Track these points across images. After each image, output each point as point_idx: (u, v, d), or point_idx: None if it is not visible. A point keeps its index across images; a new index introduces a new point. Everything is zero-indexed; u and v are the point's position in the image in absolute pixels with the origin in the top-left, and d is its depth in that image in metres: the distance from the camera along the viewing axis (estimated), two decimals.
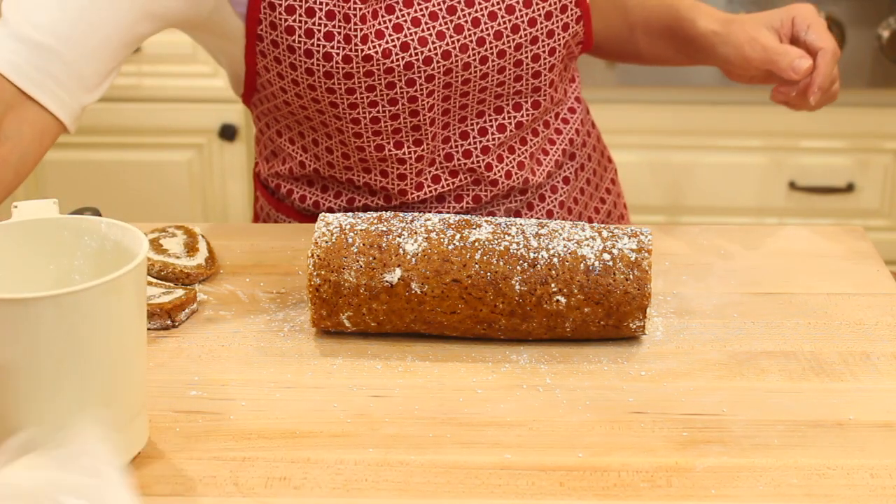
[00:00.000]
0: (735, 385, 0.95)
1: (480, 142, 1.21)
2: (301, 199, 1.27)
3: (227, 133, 2.43)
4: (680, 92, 2.36)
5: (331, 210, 1.26)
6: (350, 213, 1.03)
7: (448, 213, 1.23)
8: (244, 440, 0.88)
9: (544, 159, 1.26)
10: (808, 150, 2.40)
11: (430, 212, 1.23)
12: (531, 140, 1.24)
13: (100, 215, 1.06)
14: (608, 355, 0.99)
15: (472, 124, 1.20)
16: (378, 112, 1.15)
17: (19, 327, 0.75)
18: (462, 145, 1.21)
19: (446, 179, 1.22)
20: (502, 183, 1.23)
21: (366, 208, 1.24)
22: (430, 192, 1.22)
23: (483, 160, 1.22)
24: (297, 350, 1.00)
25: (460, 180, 1.22)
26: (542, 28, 1.17)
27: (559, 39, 1.18)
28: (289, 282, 1.12)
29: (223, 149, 2.46)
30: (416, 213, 1.03)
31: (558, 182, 1.28)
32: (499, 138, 1.21)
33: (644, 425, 0.89)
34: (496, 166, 1.22)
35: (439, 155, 1.21)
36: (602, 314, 0.98)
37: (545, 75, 1.20)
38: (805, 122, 2.32)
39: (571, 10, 1.18)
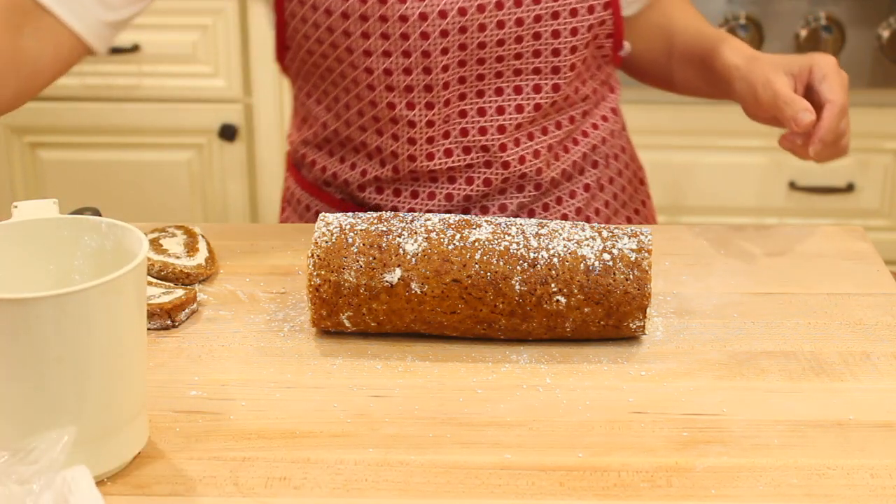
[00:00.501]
0: (735, 385, 0.95)
1: (497, 120, 1.21)
2: (322, 169, 1.30)
3: (227, 133, 2.43)
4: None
5: (346, 183, 1.28)
6: (350, 214, 1.03)
7: (458, 193, 1.24)
8: (244, 440, 0.88)
9: (563, 156, 1.26)
10: None
11: (439, 192, 1.24)
12: (552, 132, 1.24)
13: (100, 215, 1.06)
14: (608, 355, 0.99)
15: (489, 101, 1.21)
16: (391, 63, 1.17)
17: (19, 327, 0.75)
18: (479, 122, 1.21)
19: (458, 155, 1.22)
20: (514, 167, 1.23)
21: (377, 181, 1.26)
22: (441, 164, 1.22)
23: (498, 140, 1.22)
24: (297, 350, 1.00)
25: (472, 158, 1.23)
26: (564, 4, 1.17)
27: (582, 21, 1.18)
28: (289, 282, 1.12)
29: (223, 149, 2.46)
30: (416, 213, 1.03)
31: (578, 188, 1.28)
32: (516, 119, 1.21)
33: (644, 425, 0.89)
34: (511, 148, 1.22)
35: (454, 129, 1.21)
36: (602, 314, 0.98)
37: (565, 55, 1.20)
38: None
39: None
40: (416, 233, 0.99)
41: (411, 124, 1.20)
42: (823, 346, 1.01)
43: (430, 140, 1.21)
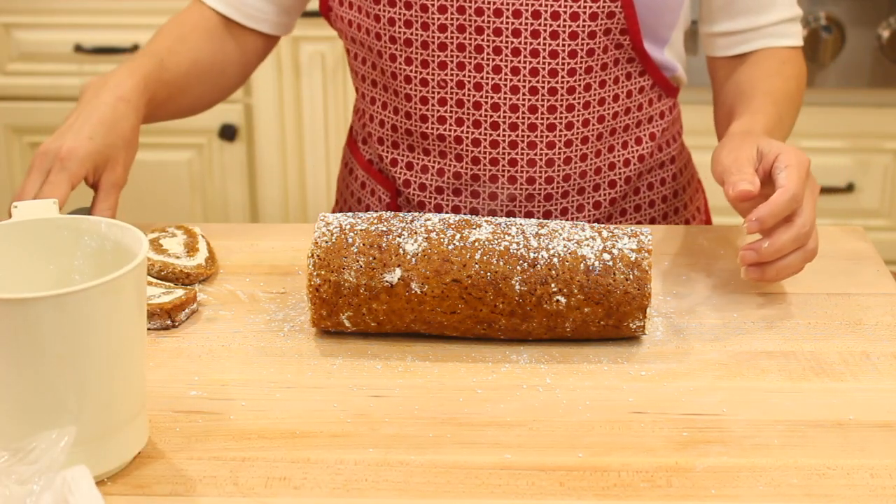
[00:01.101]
0: (735, 385, 0.95)
1: (492, 97, 1.22)
2: (363, 125, 1.34)
3: (227, 133, 2.43)
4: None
5: (372, 138, 1.30)
6: (350, 213, 1.03)
7: (449, 169, 1.25)
8: (244, 440, 0.88)
9: (575, 161, 1.24)
10: (808, 150, 2.37)
11: (432, 165, 1.25)
12: (561, 130, 1.23)
13: None
14: (608, 355, 0.99)
15: (487, 77, 1.22)
16: (395, 13, 1.20)
17: (19, 327, 0.75)
18: (474, 95, 1.22)
19: (451, 125, 1.23)
20: (503, 149, 1.23)
21: (380, 143, 1.29)
22: (433, 129, 1.24)
23: (490, 116, 1.23)
24: (297, 350, 1.00)
25: (463, 131, 1.24)
26: None
27: (585, 7, 1.18)
28: (289, 282, 1.12)
29: (223, 149, 2.45)
30: (415, 213, 1.03)
31: (588, 202, 1.28)
32: (510, 99, 1.22)
33: (644, 425, 0.90)
34: (504, 129, 1.23)
35: (451, 98, 1.23)
36: (602, 314, 0.98)
37: (564, 41, 1.19)
38: (805, 122, 2.32)
39: None
40: (416, 233, 0.99)
41: (407, 79, 1.23)
42: (823, 346, 1.01)
43: (424, 101, 1.23)
